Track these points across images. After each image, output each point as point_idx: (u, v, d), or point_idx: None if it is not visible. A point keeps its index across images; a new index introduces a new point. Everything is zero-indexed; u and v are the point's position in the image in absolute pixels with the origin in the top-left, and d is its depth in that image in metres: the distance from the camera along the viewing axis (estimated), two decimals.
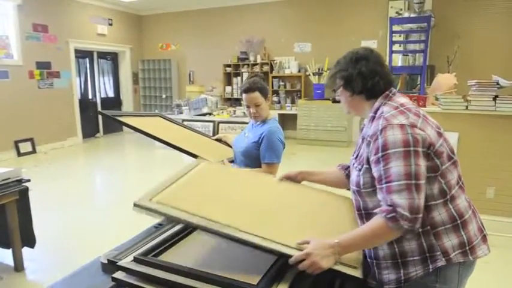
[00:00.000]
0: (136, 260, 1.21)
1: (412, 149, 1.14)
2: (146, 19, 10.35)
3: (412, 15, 6.77)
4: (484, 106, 3.28)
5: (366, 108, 1.35)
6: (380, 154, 1.16)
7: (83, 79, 9.15)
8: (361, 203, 1.31)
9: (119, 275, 1.20)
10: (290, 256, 1.12)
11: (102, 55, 9.67)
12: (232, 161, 2.14)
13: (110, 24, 9.42)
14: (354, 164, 1.36)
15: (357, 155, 1.34)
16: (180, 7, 9.61)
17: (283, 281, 1.14)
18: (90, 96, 9.39)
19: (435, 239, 1.21)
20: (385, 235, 1.15)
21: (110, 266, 1.32)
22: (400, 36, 6.94)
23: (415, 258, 1.22)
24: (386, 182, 1.15)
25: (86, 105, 8.87)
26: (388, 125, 1.17)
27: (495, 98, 3.25)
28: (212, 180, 1.55)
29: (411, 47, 6.64)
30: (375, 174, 1.20)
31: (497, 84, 3.28)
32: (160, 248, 1.28)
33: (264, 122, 2.16)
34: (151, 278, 1.15)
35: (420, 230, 1.19)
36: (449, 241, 1.21)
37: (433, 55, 6.68)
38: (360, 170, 1.29)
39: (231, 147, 2.34)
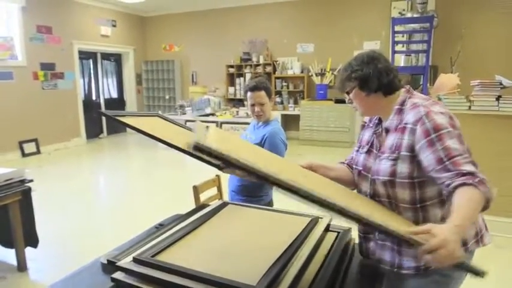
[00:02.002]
0: (135, 260, 1.21)
1: (458, 131, 1.20)
2: (149, 20, 10.38)
3: (415, 15, 6.75)
4: (487, 106, 3.26)
5: (384, 105, 1.36)
6: (433, 135, 1.18)
7: (86, 80, 9.19)
8: (390, 193, 1.32)
9: (118, 275, 1.20)
10: (412, 242, 1.00)
11: (106, 56, 9.71)
12: None
13: (114, 26, 9.46)
14: (380, 155, 1.35)
15: (391, 146, 1.32)
16: (183, 8, 9.64)
17: (283, 282, 1.14)
18: (94, 97, 9.43)
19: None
20: (481, 203, 1.08)
21: (110, 267, 1.32)
22: (403, 36, 6.92)
23: None
24: (449, 159, 1.15)
25: (90, 106, 8.91)
26: (430, 111, 1.22)
27: (498, 98, 3.23)
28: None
29: (414, 47, 6.62)
30: (431, 156, 1.18)
31: (500, 84, 3.26)
32: (160, 249, 1.28)
33: (266, 123, 2.17)
34: (150, 278, 1.15)
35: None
36: (468, 231, 1.25)
37: (436, 55, 6.66)
38: (395, 159, 1.29)
39: None
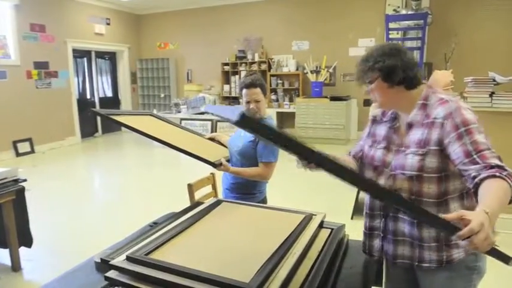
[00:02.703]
0: (129, 259, 1.21)
1: (483, 128, 1.23)
2: (144, 18, 10.34)
3: (410, 12, 6.77)
4: (481, 103, 3.28)
5: (404, 99, 1.36)
6: (462, 129, 1.20)
7: (81, 79, 9.14)
8: (414, 188, 1.31)
9: (112, 274, 1.20)
10: (450, 227, 0.98)
11: (100, 55, 9.65)
12: (228, 160, 2.13)
13: (108, 24, 9.40)
14: (404, 150, 1.34)
15: (418, 141, 1.30)
16: (178, 6, 9.60)
17: (276, 279, 1.14)
18: (88, 96, 9.38)
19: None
20: (509, 195, 1.08)
21: (104, 265, 1.32)
22: (397, 33, 6.95)
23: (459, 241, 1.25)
24: (477, 152, 1.17)
25: (84, 105, 8.85)
26: (460, 106, 1.25)
27: (491, 94, 3.25)
28: None
29: (408, 44, 6.64)
30: (459, 149, 1.19)
31: (494, 80, 3.28)
32: (154, 247, 1.28)
33: None
34: (143, 276, 1.15)
35: None
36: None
37: (430, 52, 6.68)
38: (423, 154, 1.28)
39: (224, 146, 2.33)
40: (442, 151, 1.26)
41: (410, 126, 1.35)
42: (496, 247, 1.00)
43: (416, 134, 1.32)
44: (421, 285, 1.45)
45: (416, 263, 1.35)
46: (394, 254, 1.40)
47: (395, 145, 1.40)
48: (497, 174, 1.09)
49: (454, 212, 1.02)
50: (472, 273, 1.34)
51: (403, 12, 6.95)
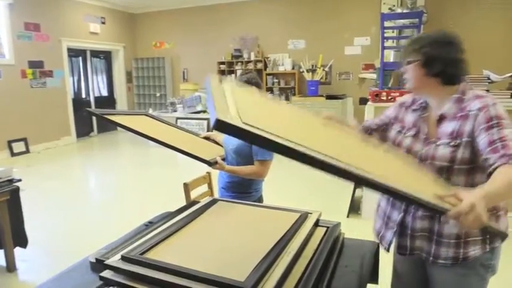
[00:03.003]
0: (124, 258, 1.21)
1: None
2: (139, 17, 10.30)
3: (405, 11, 6.78)
4: None
5: (437, 92, 1.37)
6: (495, 121, 1.23)
7: (76, 78, 9.09)
8: (443, 179, 1.31)
9: (107, 273, 1.20)
10: (439, 209, 1.00)
11: (95, 54, 9.61)
12: (223, 159, 2.13)
13: (103, 23, 9.36)
14: (436, 141, 1.36)
15: (451, 132, 1.32)
16: (173, 5, 9.57)
17: (272, 277, 1.14)
18: (83, 95, 9.33)
19: (495, 221, 1.30)
20: None
21: (98, 265, 1.32)
22: (393, 32, 6.95)
23: (476, 238, 1.30)
24: (501, 141, 1.19)
25: (80, 105, 8.82)
26: (496, 103, 1.29)
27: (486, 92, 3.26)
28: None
29: (403, 42, 6.65)
30: (485, 139, 1.22)
31: (488, 79, 3.30)
32: (149, 246, 1.28)
33: None
34: (138, 276, 1.15)
35: (489, 212, 1.24)
36: (504, 223, 1.32)
37: None
38: (456, 145, 1.30)
39: (219, 145, 2.33)
40: (473, 142, 1.27)
41: (442, 118, 1.36)
42: (489, 225, 1.02)
43: (448, 127, 1.33)
44: (432, 282, 1.46)
45: (432, 259, 1.36)
46: (411, 247, 1.41)
47: (424, 134, 1.41)
48: (510, 162, 1.13)
49: (451, 190, 1.05)
50: (487, 271, 1.36)
51: (399, 10, 6.96)
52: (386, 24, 6.54)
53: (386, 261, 1.80)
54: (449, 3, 7.09)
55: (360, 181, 0.95)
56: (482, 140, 1.23)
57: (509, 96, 3.19)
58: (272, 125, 1.03)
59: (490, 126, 1.23)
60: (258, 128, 0.90)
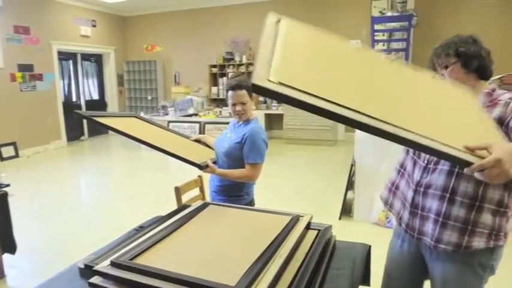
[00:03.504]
0: (113, 264, 1.19)
1: None
2: (130, 20, 10.26)
3: (395, 14, 6.84)
4: None
5: (472, 87, 1.39)
6: None
7: (66, 81, 9.02)
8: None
9: (96, 279, 1.18)
10: (463, 161, 0.97)
11: (86, 57, 9.54)
12: (214, 162, 2.12)
13: (94, 26, 9.30)
14: None
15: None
16: (165, 8, 9.55)
17: (262, 281, 1.14)
18: (74, 99, 9.26)
19: (506, 220, 1.33)
20: None
21: (87, 271, 1.30)
22: (383, 35, 7.02)
23: (484, 231, 1.31)
24: None
25: (70, 108, 8.73)
26: None
27: None
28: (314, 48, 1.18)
29: (394, 45, 6.72)
30: None
31: None
32: (139, 251, 1.26)
33: (246, 122, 2.16)
34: (128, 282, 1.14)
35: (501, 209, 1.31)
36: (509, 225, 1.34)
37: (416, 54, 6.76)
38: None
39: (210, 148, 2.32)
40: (501, 128, 1.28)
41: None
42: None
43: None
44: (432, 278, 1.49)
45: (433, 243, 1.37)
46: (420, 231, 1.43)
47: None
48: None
49: (481, 142, 1.00)
50: (485, 271, 1.38)
51: (389, 14, 7.02)
52: (377, 27, 6.61)
53: (378, 264, 1.81)
54: (438, 7, 7.17)
55: (397, 140, 0.93)
56: None
57: None
58: (322, 80, 0.98)
59: None
60: (296, 89, 0.86)
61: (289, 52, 1.01)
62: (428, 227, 1.39)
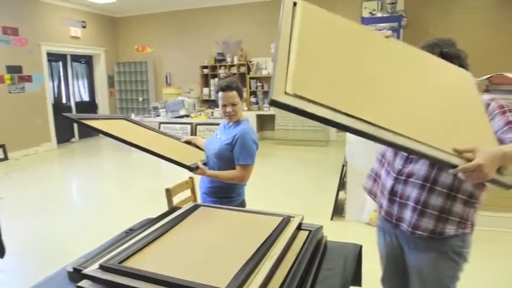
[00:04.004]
0: (102, 267, 1.18)
1: None
2: (121, 21, 10.19)
3: (385, 15, 6.89)
4: None
5: None
6: (506, 108, 1.35)
7: (56, 83, 8.92)
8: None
9: (84, 283, 1.17)
10: (449, 163, 1.09)
11: (76, 58, 9.45)
12: (205, 164, 2.11)
13: (84, 27, 9.22)
14: None
15: None
16: (156, 9, 9.50)
17: (253, 283, 1.13)
18: (64, 101, 9.17)
19: (473, 211, 1.43)
20: None
21: (76, 275, 1.28)
22: None
23: (455, 219, 1.40)
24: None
25: (60, 110, 8.62)
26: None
27: None
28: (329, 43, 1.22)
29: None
30: (501, 120, 1.32)
31: None
32: (128, 254, 1.25)
33: (237, 123, 2.15)
34: (117, 285, 1.13)
35: (471, 200, 1.40)
36: (476, 216, 1.45)
37: None
38: None
39: (201, 149, 2.31)
40: None
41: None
42: (495, 179, 1.12)
43: None
44: (409, 269, 1.55)
45: (411, 230, 1.44)
46: (398, 217, 1.49)
47: None
48: None
49: (470, 146, 1.11)
50: (459, 258, 1.45)
51: (379, 15, 7.07)
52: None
53: (370, 264, 1.82)
54: (428, 8, 7.23)
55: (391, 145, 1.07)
56: (498, 122, 1.33)
57: None
58: (337, 85, 1.06)
59: (503, 112, 1.34)
60: (313, 102, 0.96)
61: (304, 52, 1.08)
62: (407, 214, 1.46)
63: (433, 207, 1.40)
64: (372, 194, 1.68)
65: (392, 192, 1.49)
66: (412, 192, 1.43)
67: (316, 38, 1.19)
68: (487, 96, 1.42)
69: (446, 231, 1.40)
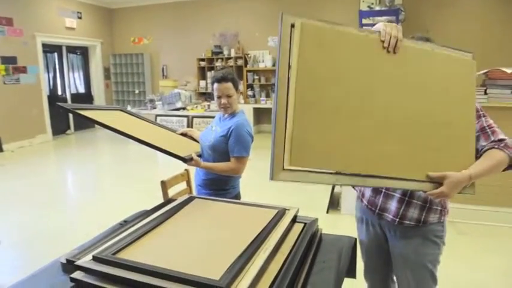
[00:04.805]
0: (95, 258, 1.17)
1: None
2: (117, 12, 10.10)
3: (383, 9, 6.86)
4: None
5: None
6: (481, 112, 1.45)
7: (51, 74, 8.86)
8: None
9: (78, 275, 1.16)
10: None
11: (72, 49, 9.37)
12: (199, 155, 2.10)
13: (79, 18, 9.13)
14: None
15: None
16: (152, 0, 9.42)
17: (247, 274, 1.13)
18: (59, 92, 9.11)
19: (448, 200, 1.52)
20: (504, 163, 1.36)
21: (70, 266, 1.27)
22: None
23: (437, 208, 1.51)
24: (490, 128, 1.42)
25: (55, 101, 8.49)
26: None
27: None
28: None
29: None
30: (476, 125, 1.40)
31: None
32: (122, 246, 1.24)
33: (232, 115, 2.14)
34: (111, 277, 1.12)
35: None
36: (450, 204, 1.58)
37: None
38: None
39: (196, 141, 2.30)
40: None
41: None
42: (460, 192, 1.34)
43: None
44: (394, 257, 1.62)
45: (398, 220, 1.52)
46: (382, 207, 1.57)
47: None
48: (496, 146, 1.37)
49: (442, 173, 1.30)
50: (441, 241, 1.56)
51: (377, 8, 7.04)
52: (365, 21, 6.62)
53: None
54: (426, 2, 7.21)
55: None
56: (476, 125, 1.41)
57: (483, 93, 3.26)
58: (333, 143, 1.21)
59: (478, 116, 1.43)
60: (310, 171, 1.18)
61: (301, 103, 1.18)
62: (392, 205, 1.54)
63: (418, 197, 1.49)
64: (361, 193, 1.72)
65: None
66: None
67: (313, 75, 1.21)
68: None
69: (429, 220, 1.51)
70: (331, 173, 1.18)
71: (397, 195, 1.52)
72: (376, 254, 1.71)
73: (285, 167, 1.13)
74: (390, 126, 1.27)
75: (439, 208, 1.52)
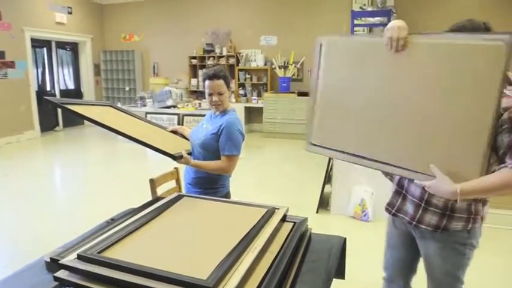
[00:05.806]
0: (80, 257, 1.15)
1: None
2: (108, 8, 9.98)
3: (375, 9, 6.89)
4: None
5: None
6: None
7: (40, 70, 8.72)
8: None
9: (62, 273, 1.14)
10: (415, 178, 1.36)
11: (61, 45, 9.24)
12: (190, 153, 2.08)
13: (70, 13, 9.01)
14: None
15: None
16: None
17: (235, 274, 1.11)
18: (48, 88, 8.97)
19: (482, 204, 1.44)
20: (508, 181, 1.19)
21: (54, 265, 1.25)
22: (363, 30, 7.06)
23: (462, 215, 1.42)
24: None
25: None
26: None
27: None
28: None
29: None
30: (506, 140, 1.23)
31: None
32: (108, 244, 1.22)
33: (223, 113, 2.12)
34: (95, 276, 1.10)
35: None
36: (487, 209, 1.47)
37: None
38: None
39: (187, 139, 2.27)
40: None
41: None
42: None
43: None
44: (420, 248, 1.59)
45: (414, 223, 1.49)
46: (398, 208, 1.57)
47: None
48: (510, 166, 1.19)
49: (442, 177, 1.26)
50: (465, 248, 1.47)
51: (369, 9, 7.07)
52: (357, 22, 6.65)
53: (353, 258, 1.81)
54: (417, 4, 7.27)
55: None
56: (503, 140, 1.23)
57: None
58: (346, 130, 1.52)
59: (510, 129, 1.22)
60: (328, 148, 1.58)
61: (324, 102, 1.58)
62: (409, 207, 1.52)
63: (435, 206, 1.44)
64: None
65: (400, 184, 1.57)
66: (416, 190, 1.48)
67: (334, 83, 1.56)
68: (503, 104, 1.23)
69: (452, 227, 1.43)
70: (340, 151, 1.52)
71: (416, 200, 1.49)
72: (400, 251, 1.69)
73: (312, 142, 1.60)
74: (394, 120, 1.38)
75: (465, 216, 1.42)
